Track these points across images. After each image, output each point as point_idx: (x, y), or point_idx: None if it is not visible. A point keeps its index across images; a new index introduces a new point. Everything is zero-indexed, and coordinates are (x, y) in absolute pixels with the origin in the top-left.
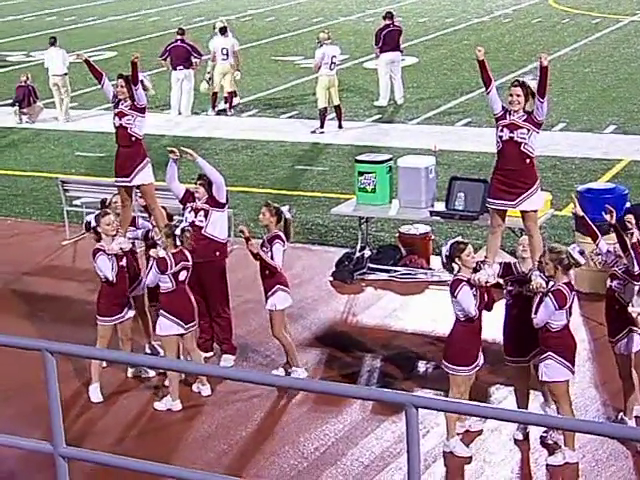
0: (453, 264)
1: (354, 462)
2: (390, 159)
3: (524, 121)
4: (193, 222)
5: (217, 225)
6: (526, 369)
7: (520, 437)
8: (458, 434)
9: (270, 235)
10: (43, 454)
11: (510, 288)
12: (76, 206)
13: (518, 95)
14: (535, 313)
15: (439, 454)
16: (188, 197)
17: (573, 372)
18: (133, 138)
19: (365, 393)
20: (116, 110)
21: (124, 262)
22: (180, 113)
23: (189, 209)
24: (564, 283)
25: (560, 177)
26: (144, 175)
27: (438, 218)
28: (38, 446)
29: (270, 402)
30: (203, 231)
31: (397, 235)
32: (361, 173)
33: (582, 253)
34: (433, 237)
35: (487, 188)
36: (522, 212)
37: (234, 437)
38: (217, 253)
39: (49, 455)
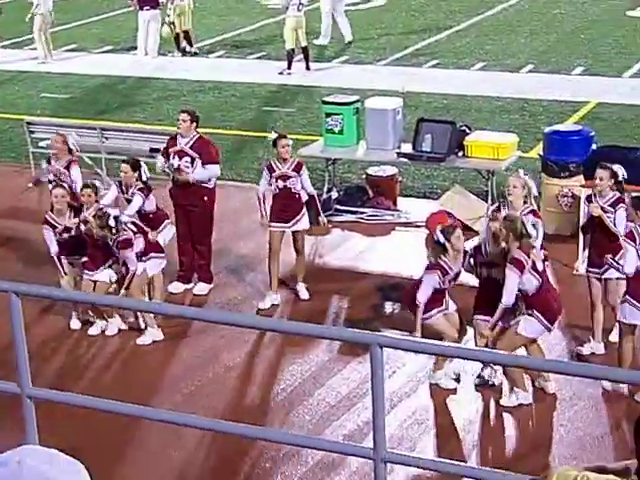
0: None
1: (321, 402)
2: (357, 100)
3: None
4: (179, 166)
5: (204, 173)
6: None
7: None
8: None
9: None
10: (10, 397)
11: (480, 271)
12: (42, 148)
13: None
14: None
15: (405, 394)
16: (170, 143)
17: (550, 330)
18: None
19: (332, 333)
20: None
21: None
22: (147, 54)
23: (172, 154)
24: (518, 248)
25: (527, 119)
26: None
27: (405, 160)
28: (4, 387)
29: (238, 342)
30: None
31: (364, 177)
32: (328, 114)
33: (534, 225)
34: (400, 179)
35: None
36: None
37: (201, 377)
38: (205, 198)
39: (16, 397)
